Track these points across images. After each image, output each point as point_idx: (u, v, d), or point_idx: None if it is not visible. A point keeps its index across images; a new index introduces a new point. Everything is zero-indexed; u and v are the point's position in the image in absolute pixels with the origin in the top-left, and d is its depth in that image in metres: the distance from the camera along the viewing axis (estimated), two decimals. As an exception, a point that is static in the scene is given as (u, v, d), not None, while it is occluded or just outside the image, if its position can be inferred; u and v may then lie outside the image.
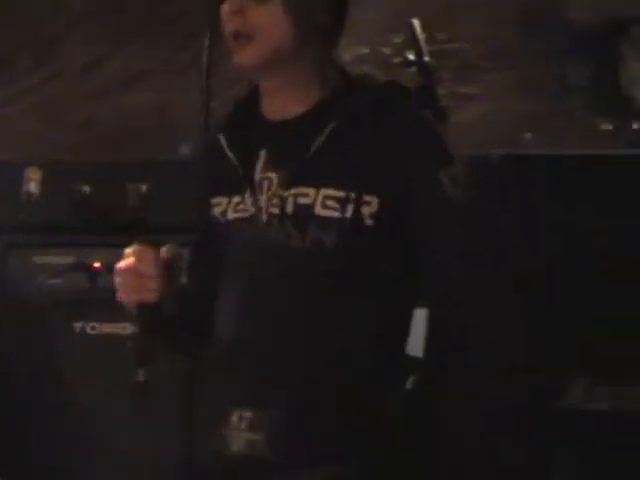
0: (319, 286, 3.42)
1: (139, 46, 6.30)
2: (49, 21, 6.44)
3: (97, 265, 5.36)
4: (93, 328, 5.38)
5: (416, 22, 4.60)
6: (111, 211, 5.41)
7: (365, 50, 6.18)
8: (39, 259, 5.38)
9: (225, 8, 3.49)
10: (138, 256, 3.42)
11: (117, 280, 3.45)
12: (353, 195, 3.36)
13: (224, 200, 3.54)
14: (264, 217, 3.43)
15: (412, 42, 4.60)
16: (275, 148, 3.49)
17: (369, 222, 3.36)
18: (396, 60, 5.21)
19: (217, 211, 3.55)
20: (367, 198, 3.36)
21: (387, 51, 5.99)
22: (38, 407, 5.45)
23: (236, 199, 3.50)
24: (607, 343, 4.31)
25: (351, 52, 6.08)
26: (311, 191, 3.41)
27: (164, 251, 3.49)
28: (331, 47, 3.53)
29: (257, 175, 3.47)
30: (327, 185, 3.38)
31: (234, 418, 3.37)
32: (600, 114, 4.82)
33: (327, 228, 3.39)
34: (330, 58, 3.53)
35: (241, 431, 3.38)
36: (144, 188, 5.33)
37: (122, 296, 3.46)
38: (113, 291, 3.51)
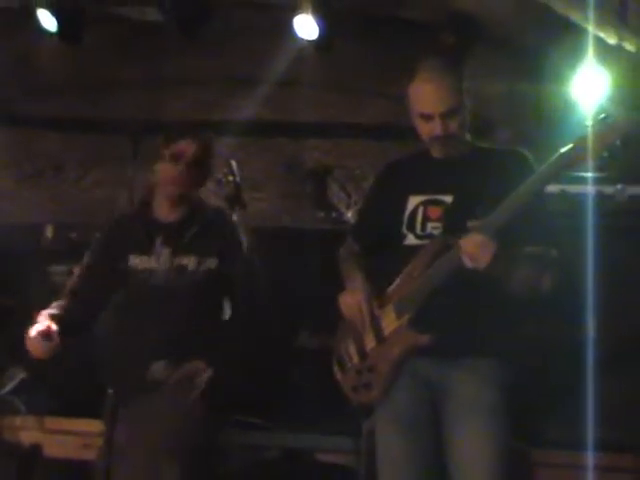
0: (194, 300, 3.56)
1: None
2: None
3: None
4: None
5: (234, 162, 4.53)
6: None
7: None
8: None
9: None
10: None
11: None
12: (205, 259, 3.57)
13: (135, 256, 3.59)
14: (162, 269, 3.57)
15: (230, 171, 4.69)
16: (165, 237, 3.59)
17: (213, 268, 3.57)
18: (224, 180, 5.24)
19: (132, 261, 3.59)
20: (211, 259, 3.58)
21: (219, 175, 5.80)
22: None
23: (144, 257, 3.57)
24: (318, 313, 4.16)
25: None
26: (185, 258, 3.56)
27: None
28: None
29: (157, 249, 3.58)
30: (194, 255, 3.57)
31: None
32: (319, 209, 4.88)
33: (195, 274, 3.55)
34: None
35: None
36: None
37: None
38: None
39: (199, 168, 3.61)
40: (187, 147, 3.58)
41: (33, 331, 3.42)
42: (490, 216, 3.00)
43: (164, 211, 3.64)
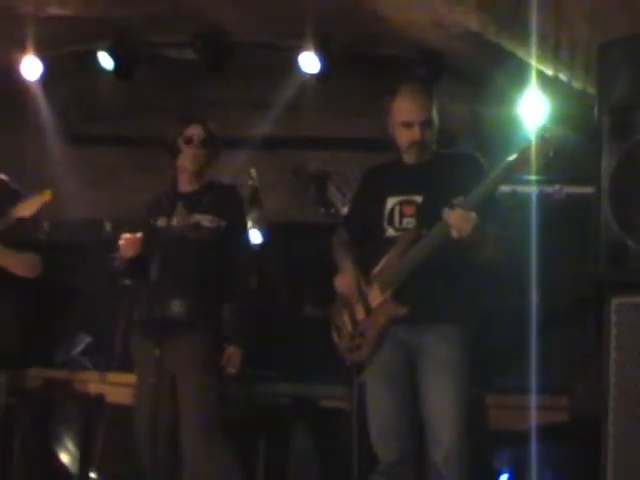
0: (204, 252, 3.48)
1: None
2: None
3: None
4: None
5: (253, 170, 4.58)
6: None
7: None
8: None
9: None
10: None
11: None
12: (216, 219, 3.50)
13: (161, 219, 3.53)
14: (180, 225, 3.49)
15: (250, 177, 4.58)
16: (184, 202, 3.51)
17: (223, 226, 3.50)
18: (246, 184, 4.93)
19: (158, 223, 3.54)
20: (221, 220, 3.50)
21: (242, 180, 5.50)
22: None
23: (166, 218, 3.51)
24: (319, 290, 3.93)
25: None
26: (199, 216, 3.50)
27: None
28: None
29: (177, 211, 3.49)
30: (207, 215, 3.50)
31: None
32: (320, 206, 4.73)
33: (207, 231, 3.50)
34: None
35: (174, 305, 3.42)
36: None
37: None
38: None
39: (208, 147, 3.56)
40: (195, 131, 3.56)
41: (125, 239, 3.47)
42: (468, 197, 2.99)
43: (185, 184, 3.61)
